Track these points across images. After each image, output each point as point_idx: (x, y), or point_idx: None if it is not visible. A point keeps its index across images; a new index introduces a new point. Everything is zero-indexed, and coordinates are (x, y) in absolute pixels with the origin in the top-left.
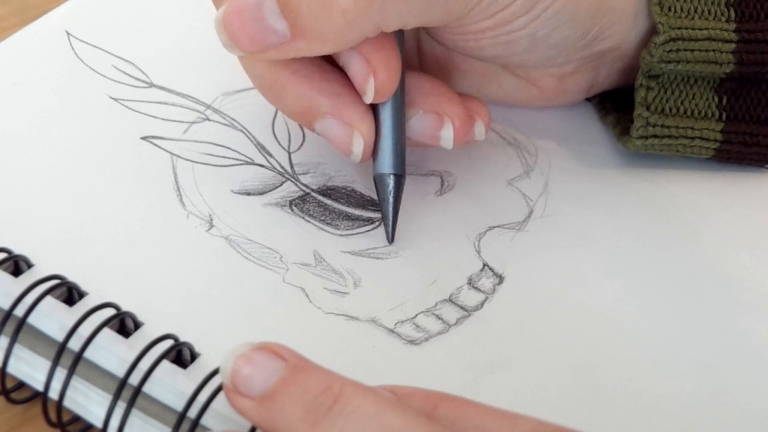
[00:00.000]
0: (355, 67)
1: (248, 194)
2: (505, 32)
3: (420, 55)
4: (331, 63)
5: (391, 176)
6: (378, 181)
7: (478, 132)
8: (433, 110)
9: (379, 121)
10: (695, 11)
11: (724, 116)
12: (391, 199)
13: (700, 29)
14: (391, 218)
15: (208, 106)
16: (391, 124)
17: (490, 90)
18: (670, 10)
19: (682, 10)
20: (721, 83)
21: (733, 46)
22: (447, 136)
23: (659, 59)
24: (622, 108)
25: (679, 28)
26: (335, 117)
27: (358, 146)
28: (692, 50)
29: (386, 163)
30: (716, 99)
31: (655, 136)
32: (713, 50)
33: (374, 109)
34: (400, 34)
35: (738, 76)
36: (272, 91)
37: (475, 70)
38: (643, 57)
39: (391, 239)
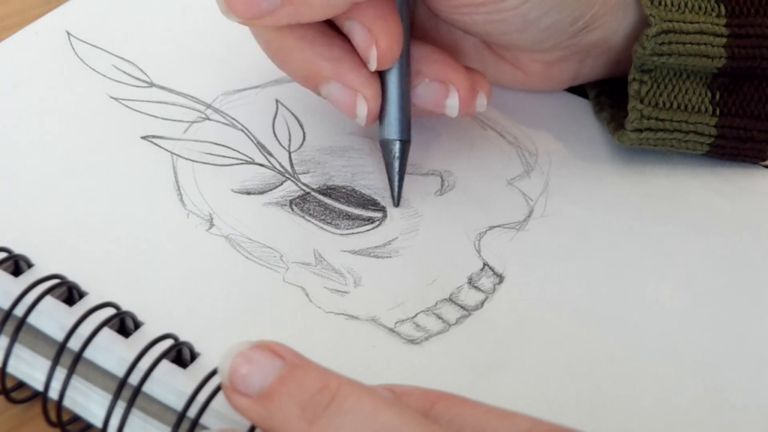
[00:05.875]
0: (357, 36)
1: (248, 193)
2: (497, 10)
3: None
4: (337, 30)
5: (397, 142)
6: (384, 146)
7: (479, 104)
8: (439, 78)
9: (385, 87)
10: (685, 6)
11: (717, 111)
12: (396, 164)
13: (691, 23)
14: (396, 182)
15: (209, 106)
16: (396, 91)
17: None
18: (660, 3)
19: (672, 4)
20: (713, 79)
21: (724, 40)
22: (452, 104)
23: (651, 52)
24: (617, 105)
25: (670, 21)
26: (339, 81)
27: (362, 109)
28: (684, 43)
29: (392, 129)
30: (709, 94)
31: (650, 129)
32: (704, 44)
33: (380, 76)
34: (405, 3)
35: (730, 72)
36: (278, 56)
37: (461, 48)
38: (636, 50)
39: (397, 202)
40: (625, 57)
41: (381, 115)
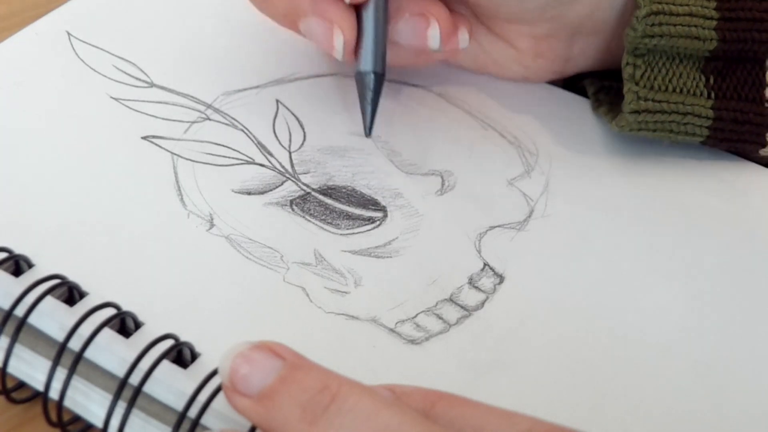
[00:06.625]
0: None
1: (249, 194)
2: None
3: None
4: None
5: (371, 74)
6: (358, 79)
7: (462, 38)
8: (418, 12)
9: (361, 22)
10: None
11: (712, 95)
12: (369, 96)
13: (681, 5)
14: (369, 113)
15: (209, 106)
16: (373, 25)
17: (472, 50)
18: None
19: None
20: (706, 63)
21: (715, 23)
22: (434, 35)
23: (642, 33)
24: (616, 102)
25: (659, 2)
26: (317, 15)
27: (339, 43)
28: (674, 24)
29: (367, 61)
30: (703, 79)
31: (648, 111)
32: (695, 26)
33: (358, 12)
34: None
35: (722, 55)
36: None
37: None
38: (627, 34)
39: (368, 132)
40: (616, 45)
41: (357, 49)
